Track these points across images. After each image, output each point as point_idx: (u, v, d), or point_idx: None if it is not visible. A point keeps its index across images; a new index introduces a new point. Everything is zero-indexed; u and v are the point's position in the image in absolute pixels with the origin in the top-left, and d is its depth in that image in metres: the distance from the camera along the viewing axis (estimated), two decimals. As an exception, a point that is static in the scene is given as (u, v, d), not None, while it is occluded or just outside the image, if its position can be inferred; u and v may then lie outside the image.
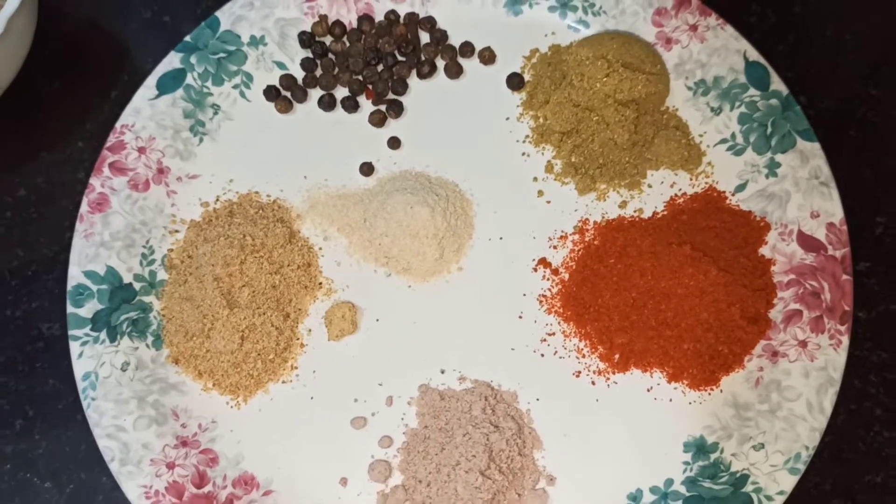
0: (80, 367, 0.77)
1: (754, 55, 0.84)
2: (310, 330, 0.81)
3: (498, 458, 0.73)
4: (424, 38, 0.90)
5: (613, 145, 0.83)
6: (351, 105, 0.88)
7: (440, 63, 0.89)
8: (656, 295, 0.77)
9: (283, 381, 0.79)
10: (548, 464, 0.76)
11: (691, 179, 0.84)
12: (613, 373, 0.78)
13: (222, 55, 0.88)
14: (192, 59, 0.87)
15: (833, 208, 0.79)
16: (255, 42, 0.88)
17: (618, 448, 0.76)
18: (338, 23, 0.89)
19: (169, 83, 0.86)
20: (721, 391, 0.77)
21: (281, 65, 0.89)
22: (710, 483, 0.74)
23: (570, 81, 0.83)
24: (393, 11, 0.89)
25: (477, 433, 0.73)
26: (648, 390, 0.78)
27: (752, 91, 0.84)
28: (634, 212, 0.83)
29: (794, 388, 0.75)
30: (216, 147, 0.87)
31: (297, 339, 0.80)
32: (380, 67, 0.88)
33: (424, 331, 0.81)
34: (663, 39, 0.86)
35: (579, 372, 0.79)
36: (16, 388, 0.82)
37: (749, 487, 0.72)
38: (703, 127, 0.85)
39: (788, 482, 0.72)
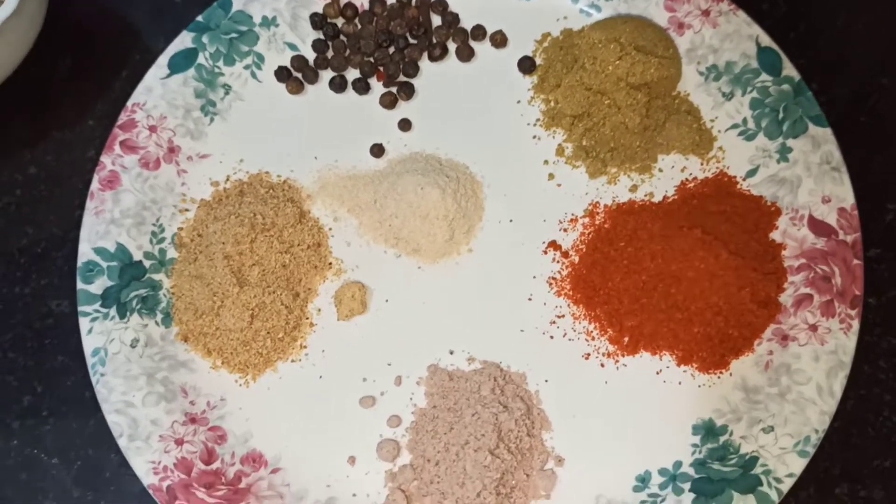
0: (89, 343, 0.77)
1: (766, 40, 0.84)
2: (319, 309, 0.81)
3: (507, 438, 0.73)
4: (436, 20, 0.90)
5: (625, 129, 0.83)
6: (362, 87, 0.88)
7: (452, 46, 0.89)
8: (666, 278, 0.77)
9: (293, 360, 0.79)
10: (556, 445, 0.76)
11: (702, 164, 0.84)
12: (623, 355, 0.78)
13: (234, 35, 0.87)
14: (204, 39, 0.87)
15: (844, 193, 0.79)
16: (267, 23, 0.88)
17: (626, 430, 0.76)
18: (350, 4, 0.89)
19: (180, 62, 0.86)
20: (731, 374, 0.77)
21: (292, 46, 0.89)
22: (719, 465, 0.73)
23: (582, 65, 0.83)
24: (405, -6, 0.89)
25: (486, 413, 0.73)
26: (658, 373, 0.78)
27: (764, 76, 0.83)
28: (645, 196, 0.83)
29: (804, 372, 0.75)
30: (227, 127, 0.87)
31: (307, 318, 0.80)
32: (391, 50, 0.88)
33: (433, 312, 0.81)
34: (676, 24, 0.86)
35: (588, 354, 0.79)
36: (24, 364, 0.82)
37: (758, 469, 0.72)
38: (714, 112, 0.85)
39: (798, 465, 0.72)
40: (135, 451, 0.74)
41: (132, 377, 0.76)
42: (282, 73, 0.88)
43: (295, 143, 0.86)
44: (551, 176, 0.84)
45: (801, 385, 0.74)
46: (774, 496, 0.71)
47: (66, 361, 0.81)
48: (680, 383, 0.77)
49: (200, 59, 0.87)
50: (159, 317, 0.80)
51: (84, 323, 0.78)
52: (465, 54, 0.88)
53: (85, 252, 0.80)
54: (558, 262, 0.82)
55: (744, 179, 0.82)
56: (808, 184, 0.80)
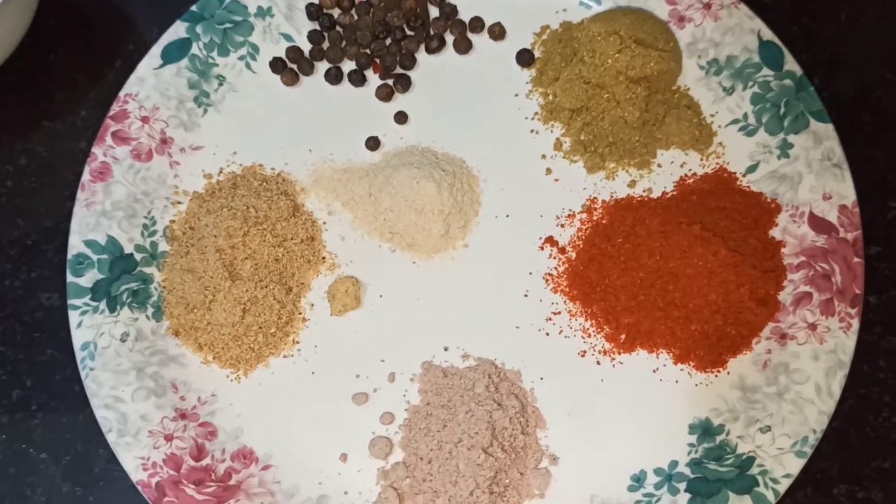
0: (78, 337, 0.76)
1: (768, 34, 0.83)
2: (312, 304, 0.80)
3: (501, 436, 0.72)
4: (434, 12, 0.88)
5: (624, 124, 0.82)
6: (358, 79, 0.86)
7: (449, 38, 0.88)
8: (664, 275, 0.76)
9: (285, 356, 0.78)
10: (551, 443, 0.75)
11: (702, 160, 0.83)
12: (619, 353, 0.78)
13: (228, 25, 0.86)
14: (198, 29, 0.86)
15: (846, 190, 0.78)
16: (262, 13, 0.87)
17: (622, 429, 0.75)
18: (346, -5, 0.88)
19: (174, 52, 0.85)
20: (728, 373, 0.76)
21: (288, 37, 0.88)
22: (716, 465, 0.73)
23: (581, 58, 0.82)
24: (402, -15, 0.88)
25: (480, 410, 0.72)
26: (654, 371, 0.77)
27: (766, 71, 0.82)
28: (644, 191, 0.82)
29: (802, 371, 0.74)
30: (220, 118, 0.85)
31: (300, 313, 0.79)
32: (388, 41, 0.87)
33: (428, 307, 0.80)
34: (676, 17, 0.85)
35: (584, 351, 0.78)
36: (14, 357, 0.81)
37: (755, 470, 0.72)
38: (714, 107, 0.83)
39: (795, 465, 0.71)
40: (124, 447, 0.73)
41: (122, 372, 0.76)
42: (277, 65, 0.87)
43: (289, 136, 0.85)
44: (549, 170, 0.83)
45: (799, 384, 0.74)
46: (771, 497, 0.70)
47: (56, 355, 0.80)
48: (677, 382, 0.76)
49: (194, 49, 0.86)
50: (150, 311, 0.79)
51: (73, 316, 0.77)
52: (463, 47, 0.87)
53: (75, 244, 0.79)
54: (555, 258, 0.81)
55: (744, 175, 0.81)
56: (809, 180, 0.79)
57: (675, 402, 0.76)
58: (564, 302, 0.79)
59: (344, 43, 0.88)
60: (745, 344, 0.76)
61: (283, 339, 0.78)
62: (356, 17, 0.88)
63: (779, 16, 0.87)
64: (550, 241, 0.81)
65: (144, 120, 0.83)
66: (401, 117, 0.85)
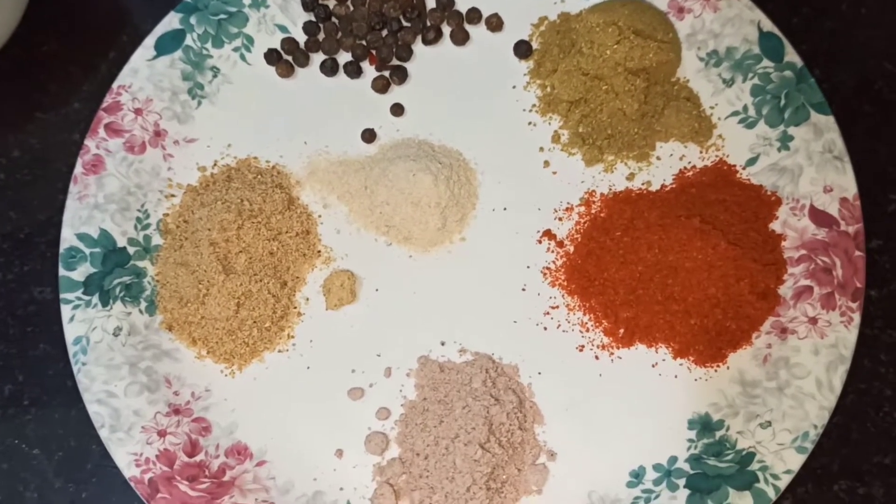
0: (71, 332, 0.75)
1: (768, 25, 0.82)
2: (307, 299, 0.79)
3: (498, 432, 0.71)
4: (430, 3, 0.87)
5: (622, 116, 0.81)
6: (354, 70, 0.85)
7: (446, 29, 0.87)
8: (663, 269, 0.75)
9: (279, 350, 0.77)
10: (549, 439, 0.74)
11: (701, 152, 0.82)
12: (618, 347, 0.77)
13: (223, 16, 0.85)
14: (192, 20, 0.85)
15: (847, 183, 0.77)
16: (257, 4, 0.86)
17: (621, 424, 0.75)
18: (342, -15, 0.87)
19: (168, 44, 0.84)
20: (728, 368, 0.75)
21: (283, 28, 0.87)
22: (715, 461, 0.72)
23: (580, 49, 0.81)
24: (399, -25, 0.87)
25: (477, 406, 0.72)
26: (653, 366, 0.76)
27: (766, 62, 0.81)
28: (642, 184, 0.81)
29: (803, 366, 0.73)
30: (215, 111, 0.85)
31: (295, 307, 0.79)
32: (384, 32, 0.86)
33: (425, 302, 0.79)
34: (675, 8, 0.84)
35: (583, 346, 0.77)
36: (6, 352, 0.80)
37: (755, 466, 0.71)
38: (714, 99, 0.83)
39: (796, 461, 0.70)
40: (116, 443, 0.72)
41: (115, 366, 0.75)
42: (272, 56, 0.86)
43: (284, 128, 0.84)
44: (547, 163, 0.82)
45: (800, 379, 0.73)
46: (771, 493, 0.70)
47: (49, 350, 0.80)
48: (676, 377, 0.76)
49: (188, 40, 0.85)
50: (143, 305, 0.78)
51: (66, 311, 0.76)
52: (460, 38, 0.86)
53: (67, 238, 0.78)
54: (553, 251, 0.80)
55: (744, 168, 0.80)
56: (810, 173, 0.78)
57: (674, 397, 0.75)
58: (562, 296, 0.78)
59: (340, 34, 0.87)
60: (745, 338, 0.75)
61: (277, 333, 0.77)
62: (352, 8, 0.87)
63: (779, 6, 0.86)
64: (548, 234, 0.80)
65: (138, 112, 0.82)
66: (397, 109, 0.84)
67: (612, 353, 0.77)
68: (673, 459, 0.73)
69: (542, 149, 0.83)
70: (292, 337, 0.78)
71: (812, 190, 0.78)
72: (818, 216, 0.77)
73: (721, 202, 0.78)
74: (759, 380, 0.74)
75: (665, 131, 0.82)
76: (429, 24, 0.86)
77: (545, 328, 0.78)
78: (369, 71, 0.86)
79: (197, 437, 0.74)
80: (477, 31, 0.87)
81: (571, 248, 0.80)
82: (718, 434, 0.73)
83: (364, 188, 0.81)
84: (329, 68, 0.86)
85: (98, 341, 0.75)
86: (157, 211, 0.81)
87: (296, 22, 0.87)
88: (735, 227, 0.77)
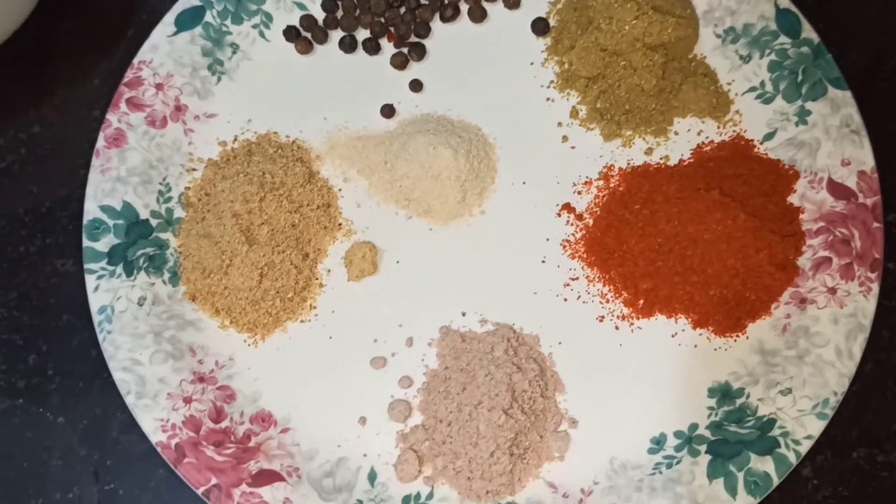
0: (95, 301, 0.76)
1: (785, 2, 0.82)
2: (329, 270, 0.80)
3: (520, 399, 0.72)
4: (448, -20, 0.88)
5: (640, 91, 0.82)
6: (372, 47, 0.86)
7: (464, 6, 0.87)
8: (683, 240, 0.76)
9: (302, 321, 0.78)
10: (570, 407, 0.75)
11: (719, 128, 0.82)
12: (637, 318, 0.77)
13: (242, -7, 0.86)
14: (212, -3, 0.85)
15: (864, 156, 0.78)
16: (276, -19, 0.87)
17: (641, 393, 0.75)
18: (361, -37, 0.87)
19: (188, 20, 0.85)
20: (747, 338, 0.76)
21: (301, 5, 0.87)
22: (737, 427, 0.72)
23: (598, 25, 0.82)
24: (417, -47, 0.88)
25: (499, 373, 0.72)
26: (673, 336, 0.76)
27: (783, 39, 0.82)
28: (660, 159, 0.82)
29: (822, 335, 0.74)
30: (234, 87, 0.85)
31: (316, 278, 0.79)
32: (402, 10, 0.87)
33: (445, 273, 0.79)
34: (692, -15, 0.85)
35: (603, 317, 0.77)
36: (30, 322, 0.80)
37: (776, 432, 0.71)
38: (731, 75, 0.83)
39: (816, 427, 0.71)
40: (143, 409, 0.73)
41: (139, 335, 0.75)
42: (290, 33, 0.86)
43: (304, 104, 0.85)
44: (565, 138, 0.83)
45: (819, 348, 0.73)
46: (792, 458, 0.70)
47: (72, 320, 0.80)
48: (696, 346, 0.76)
49: (208, 17, 0.85)
50: (166, 276, 0.78)
51: (90, 280, 0.76)
52: (478, 15, 0.87)
53: (91, 210, 0.78)
54: (572, 224, 0.80)
55: (761, 143, 0.81)
56: (828, 146, 0.79)
57: (694, 366, 0.75)
58: (582, 268, 0.79)
59: (358, 11, 0.87)
60: (765, 308, 0.76)
61: (300, 304, 0.78)
62: (371, -14, 0.88)
63: (794, -15, 0.87)
64: (567, 207, 0.81)
65: (158, 87, 0.83)
66: (416, 85, 0.85)
67: (631, 324, 0.77)
68: (694, 426, 0.73)
69: (560, 124, 0.83)
70: (314, 307, 0.78)
71: (830, 163, 0.78)
72: (836, 189, 0.78)
73: (739, 176, 0.79)
74: (778, 349, 0.75)
75: (682, 107, 0.82)
76: (446, 1, 0.87)
77: (565, 299, 0.78)
78: (388, 47, 0.87)
79: (222, 404, 0.74)
80: (494, 9, 0.88)
81: (591, 221, 0.80)
82: (739, 402, 0.74)
83: (384, 162, 0.82)
84: (348, 45, 0.86)
85: (123, 310, 0.76)
86: (178, 184, 0.81)
87: (314, -1, 0.87)
88: (753, 200, 0.77)
